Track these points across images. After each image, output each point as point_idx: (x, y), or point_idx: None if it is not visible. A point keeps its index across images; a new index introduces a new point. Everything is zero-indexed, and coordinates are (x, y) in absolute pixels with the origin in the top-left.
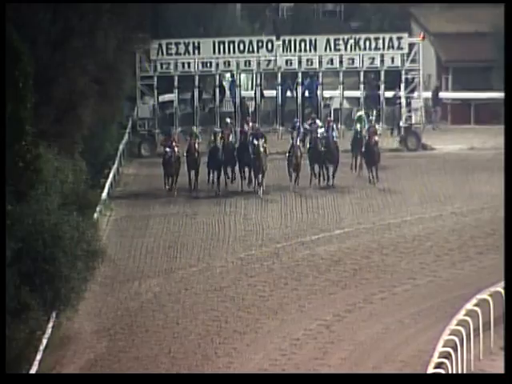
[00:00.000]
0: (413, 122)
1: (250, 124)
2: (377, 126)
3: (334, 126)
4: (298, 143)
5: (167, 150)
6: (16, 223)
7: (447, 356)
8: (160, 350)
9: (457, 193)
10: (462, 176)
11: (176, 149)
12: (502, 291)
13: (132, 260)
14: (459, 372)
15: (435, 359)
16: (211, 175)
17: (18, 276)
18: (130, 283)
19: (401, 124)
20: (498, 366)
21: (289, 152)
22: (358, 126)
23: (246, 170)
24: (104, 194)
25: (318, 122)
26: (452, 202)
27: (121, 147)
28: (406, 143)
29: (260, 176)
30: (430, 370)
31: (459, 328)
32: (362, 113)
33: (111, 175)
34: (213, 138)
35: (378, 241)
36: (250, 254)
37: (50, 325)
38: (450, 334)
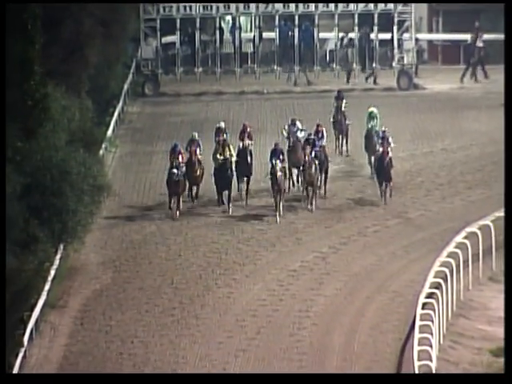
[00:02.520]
0: (405, 62)
1: (248, 129)
2: (390, 139)
3: (324, 131)
4: (312, 156)
5: (174, 171)
6: (25, 159)
7: (438, 286)
8: (163, 281)
9: (447, 130)
10: (451, 114)
11: (183, 168)
12: (491, 224)
13: (136, 194)
14: (449, 301)
15: (426, 289)
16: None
17: (26, 209)
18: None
19: (393, 64)
20: (485, 296)
21: (302, 166)
22: (371, 124)
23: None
24: (109, 132)
25: (298, 123)
26: (442, 139)
27: (125, 86)
28: (398, 83)
29: (278, 199)
30: (422, 299)
31: (449, 260)
32: (374, 109)
33: (116, 113)
34: (219, 148)
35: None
36: (249, 188)
37: (58, 256)
38: (441, 266)
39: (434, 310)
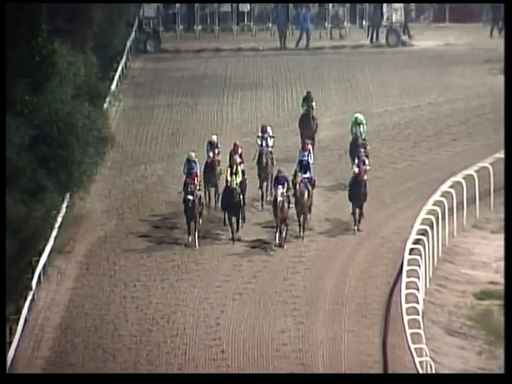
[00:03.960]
0: (393, 20)
1: (240, 150)
2: (367, 162)
3: (311, 148)
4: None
5: (189, 197)
6: (33, 112)
7: (424, 233)
8: (164, 226)
9: (433, 85)
10: (437, 69)
11: (199, 193)
12: (475, 174)
13: (138, 146)
14: (435, 247)
15: (413, 236)
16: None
17: (34, 160)
18: (136, 167)
19: (382, 23)
20: (469, 242)
21: (294, 193)
22: (354, 130)
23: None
24: (113, 86)
25: (269, 129)
26: (429, 94)
27: (128, 43)
28: (386, 40)
29: (282, 227)
30: (409, 245)
31: (435, 208)
32: (359, 115)
33: (119, 69)
34: (229, 171)
35: None
36: (246, 140)
37: (65, 204)
38: (427, 213)
39: (421, 256)
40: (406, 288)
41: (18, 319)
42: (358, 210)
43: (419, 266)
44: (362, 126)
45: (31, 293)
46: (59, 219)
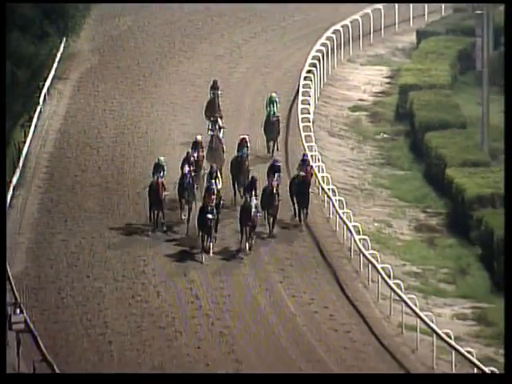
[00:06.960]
0: None
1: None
2: (311, 163)
3: (248, 142)
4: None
5: (209, 216)
6: None
7: (314, 65)
8: (132, 61)
9: None
10: None
11: (193, 170)
12: (349, 24)
13: (115, 4)
14: (321, 75)
15: (306, 67)
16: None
17: (41, 13)
18: (112, 18)
19: None
20: (345, 72)
21: (268, 198)
22: (270, 108)
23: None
24: None
25: (219, 121)
26: None
27: None
28: None
29: (248, 229)
30: (303, 74)
31: (322, 48)
32: (273, 94)
33: None
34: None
35: None
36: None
37: (62, 45)
38: (316, 52)
39: (312, 81)
40: (302, 104)
41: (30, 125)
42: (304, 210)
43: (310, 88)
44: (275, 104)
45: (39, 107)
46: (58, 55)
